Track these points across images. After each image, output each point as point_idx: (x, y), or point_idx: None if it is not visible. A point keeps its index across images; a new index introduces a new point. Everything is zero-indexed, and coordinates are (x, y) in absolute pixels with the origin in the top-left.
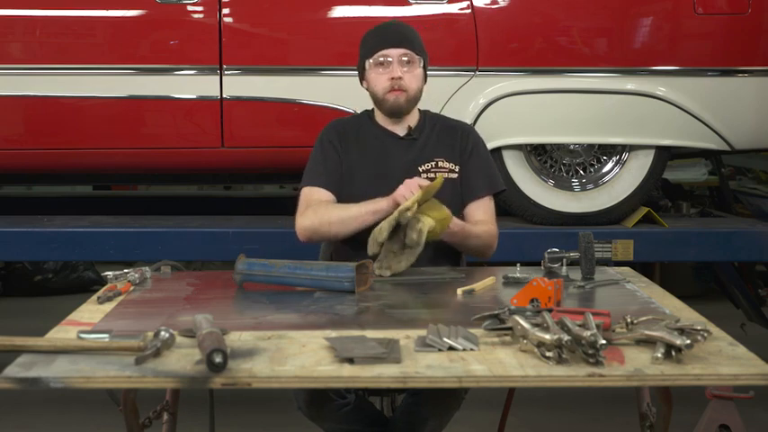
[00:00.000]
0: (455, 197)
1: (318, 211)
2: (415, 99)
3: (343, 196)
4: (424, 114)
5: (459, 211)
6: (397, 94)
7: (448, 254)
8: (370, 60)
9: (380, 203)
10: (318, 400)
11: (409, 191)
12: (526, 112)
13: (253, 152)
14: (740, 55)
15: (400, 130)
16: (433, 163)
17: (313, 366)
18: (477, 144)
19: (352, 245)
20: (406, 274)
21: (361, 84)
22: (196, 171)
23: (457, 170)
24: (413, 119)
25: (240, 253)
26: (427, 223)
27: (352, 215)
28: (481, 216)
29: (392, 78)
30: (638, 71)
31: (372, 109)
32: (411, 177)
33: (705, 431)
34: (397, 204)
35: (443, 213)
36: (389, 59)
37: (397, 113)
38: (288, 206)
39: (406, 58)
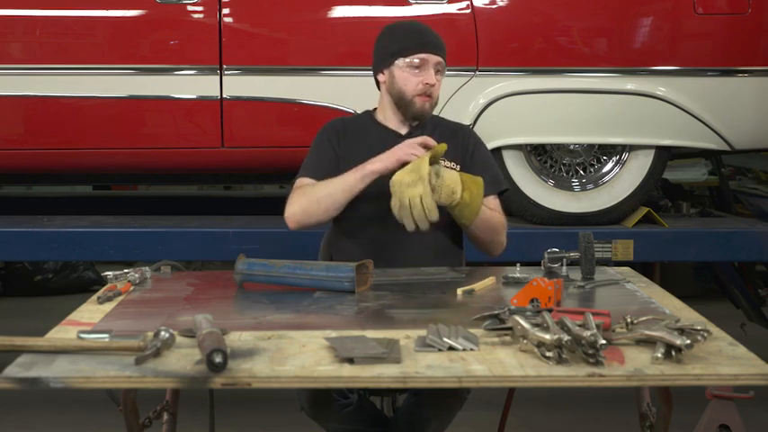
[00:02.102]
0: None
1: (305, 192)
2: (435, 106)
3: None
4: None
5: None
6: (426, 100)
7: (448, 254)
8: (406, 59)
9: (374, 165)
10: (321, 400)
11: (411, 150)
12: (526, 112)
13: (253, 152)
14: (740, 55)
15: (403, 129)
16: None
17: (313, 366)
18: (479, 145)
19: (351, 247)
20: (406, 274)
21: (377, 75)
22: (196, 171)
23: (457, 169)
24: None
25: (240, 253)
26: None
27: (338, 185)
28: (490, 206)
29: (426, 83)
30: (638, 71)
31: (374, 109)
32: None
33: (705, 431)
34: (401, 163)
35: (479, 183)
36: (425, 62)
37: (419, 118)
38: None
39: (437, 67)
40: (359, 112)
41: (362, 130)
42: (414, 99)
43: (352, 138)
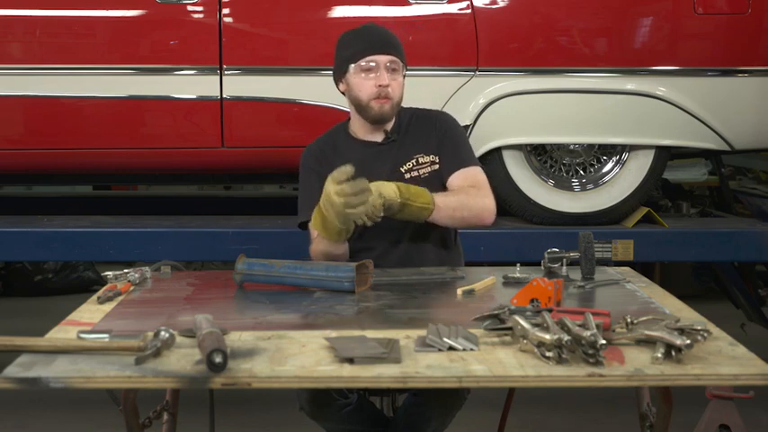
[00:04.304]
0: (440, 187)
1: (314, 253)
2: (398, 106)
3: None
4: (398, 112)
5: None
6: (383, 102)
7: (453, 258)
8: (355, 65)
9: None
10: (321, 400)
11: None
12: (526, 112)
13: (253, 152)
14: (740, 55)
15: (378, 136)
16: (414, 160)
17: (313, 366)
18: (449, 127)
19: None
20: (406, 274)
21: (338, 86)
22: (196, 171)
23: (437, 160)
24: (389, 122)
25: (240, 253)
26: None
27: (324, 250)
28: (460, 182)
29: (380, 85)
30: (638, 71)
31: (347, 120)
32: (395, 180)
33: (705, 431)
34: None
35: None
36: (374, 65)
37: (380, 121)
38: (288, 206)
39: (391, 65)
40: None
41: (340, 148)
42: (370, 103)
43: (332, 158)
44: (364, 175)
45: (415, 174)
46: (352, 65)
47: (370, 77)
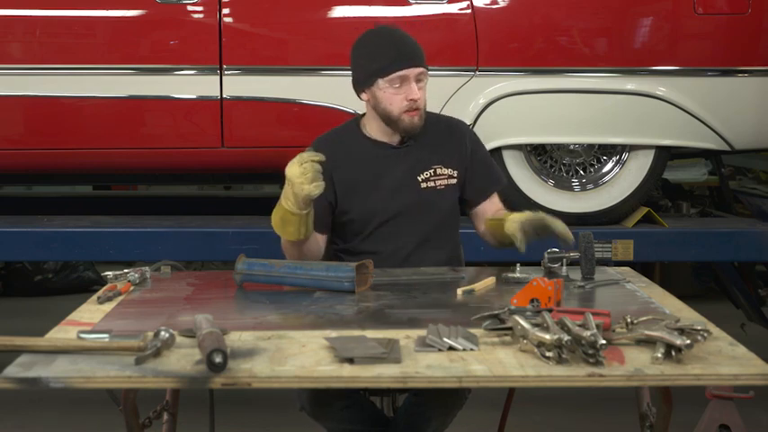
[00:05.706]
0: (455, 202)
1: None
2: (424, 114)
3: (353, 211)
4: None
5: (456, 212)
6: (413, 115)
7: (453, 258)
8: (386, 79)
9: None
10: (322, 399)
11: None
12: (526, 112)
13: (253, 152)
14: (740, 55)
15: (394, 139)
16: (432, 171)
17: (313, 366)
18: (477, 144)
19: (351, 250)
20: (406, 274)
21: (359, 95)
22: (196, 171)
23: (456, 174)
24: None
25: (240, 253)
26: None
27: (287, 248)
28: (497, 207)
29: (411, 99)
30: (638, 71)
31: (358, 118)
32: (410, 187)
33: (705, 431)
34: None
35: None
36: (406, 78)
37: (410, 132)
38: None
39: (421, 77)
40: (359, 112)
41: (352, 146)
42: (401, 116)
43: (343, 156)
44: (379, 176)
45: (432, 184)
46: (382, 80)
47: (400, 91)
